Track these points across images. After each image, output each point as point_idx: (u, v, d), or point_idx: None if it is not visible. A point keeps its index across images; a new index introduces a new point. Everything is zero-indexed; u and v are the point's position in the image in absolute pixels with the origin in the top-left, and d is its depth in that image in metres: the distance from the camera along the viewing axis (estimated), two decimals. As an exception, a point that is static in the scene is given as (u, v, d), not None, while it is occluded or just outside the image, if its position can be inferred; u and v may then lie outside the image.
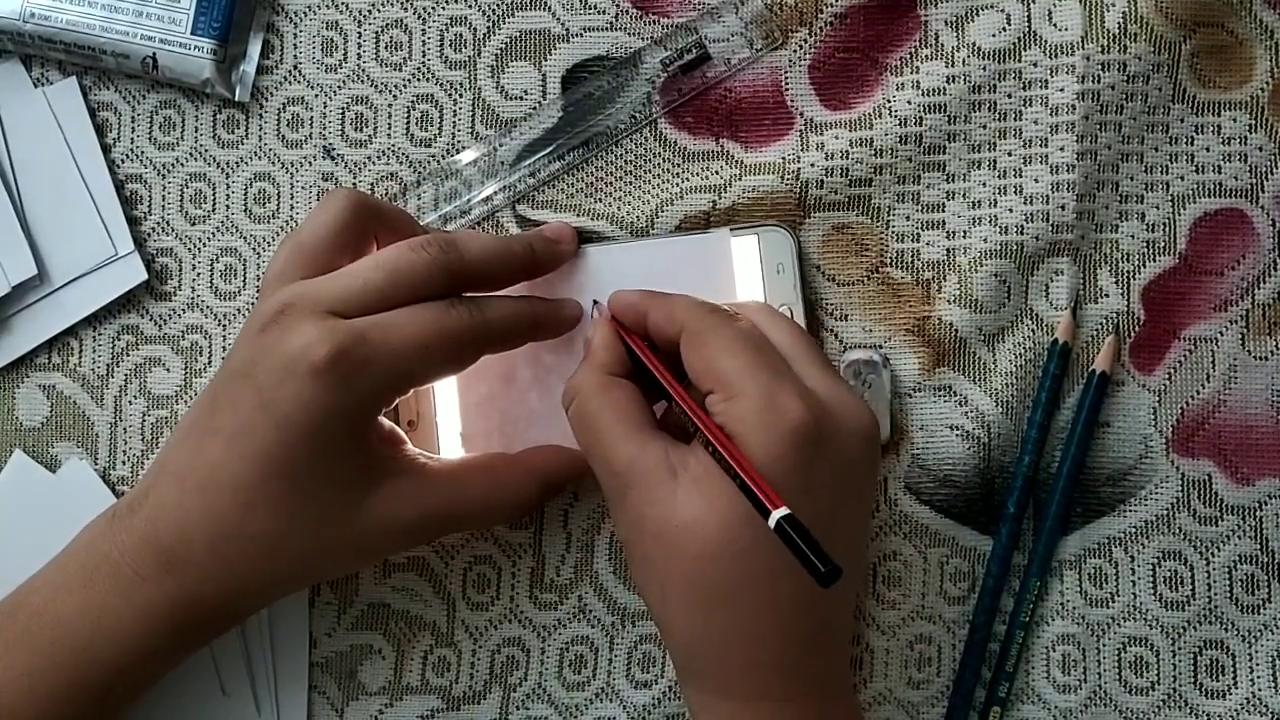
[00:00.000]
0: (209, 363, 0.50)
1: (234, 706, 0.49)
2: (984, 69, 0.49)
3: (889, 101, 0.49)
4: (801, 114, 0.50)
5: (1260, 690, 0.48)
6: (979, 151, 0.49)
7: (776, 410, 0.39)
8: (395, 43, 0.51)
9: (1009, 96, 0.49)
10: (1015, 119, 0.49)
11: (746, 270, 0.48)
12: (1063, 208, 0.48)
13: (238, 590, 0.42)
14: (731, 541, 0.39)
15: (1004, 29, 0.49)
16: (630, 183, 0.50)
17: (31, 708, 0.40)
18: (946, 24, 0.49)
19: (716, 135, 0.50)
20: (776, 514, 0.35)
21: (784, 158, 0.49)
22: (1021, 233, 0.49)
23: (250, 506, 0.40)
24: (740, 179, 0.49)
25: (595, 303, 0.48)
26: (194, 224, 0.51)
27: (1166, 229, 0.49)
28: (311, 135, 0.51)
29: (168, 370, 0.50)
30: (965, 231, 0.49)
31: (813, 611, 0.40)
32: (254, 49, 0.50)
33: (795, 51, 0.50)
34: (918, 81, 0.49)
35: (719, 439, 0.39)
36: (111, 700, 0.42)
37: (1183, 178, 0.49)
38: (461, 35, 0.50)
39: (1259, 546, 0.48)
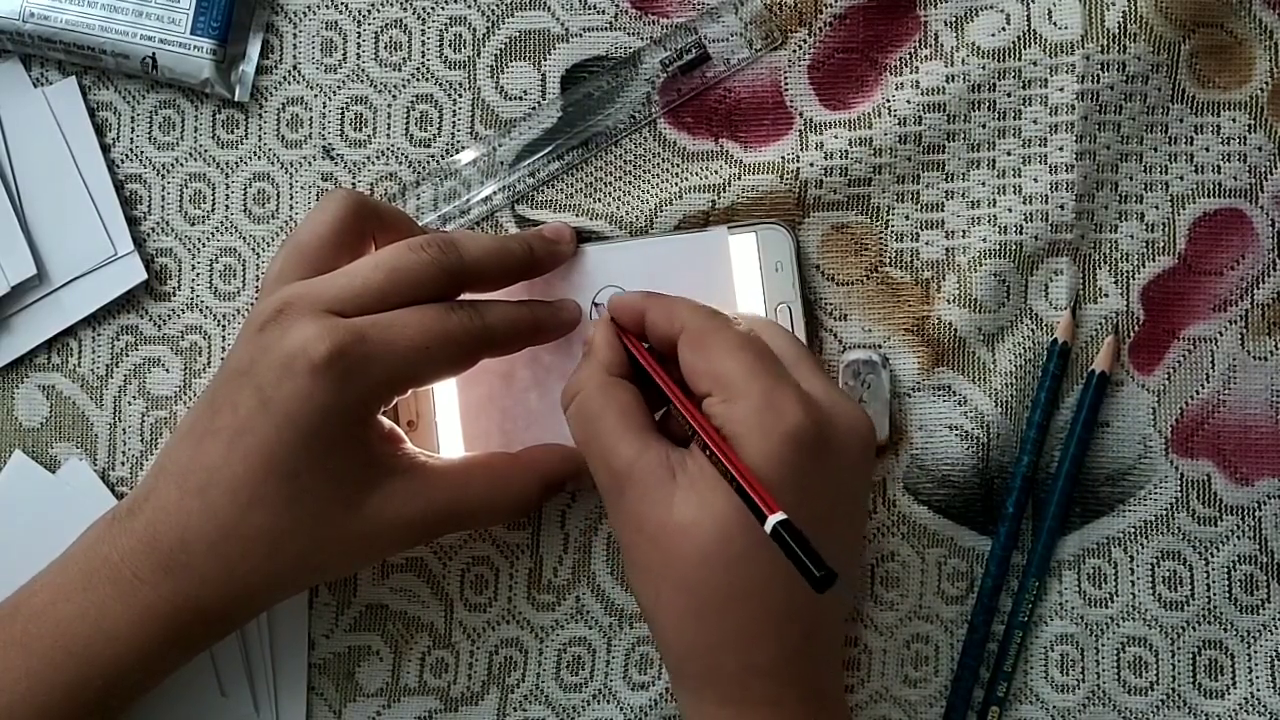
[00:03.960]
0: (208, 363, 0.50)
1: (233, 708, 0.49)
2: (983, 68, 0.49)
3: (888, 101, 0.49)
4: (801, 114, 0.50)
5: (1259, 690, 0.48)
6: (978, 151, 0.49)
7: (776, 412, 0.39)
8: (395, 43, 0.51)
9: (1008, 96, 0.49)
10: (1014, 119, 0.49)
11: (745, 268, 0.48)
12: (1062, 207, 0.48)
13: (238, 592, 0.41)
14: (727, 545, 0.39)
15: (1003, 28, 0.49)
16: (629, 183, 0.50)
17: (31, 710, 0.40)
18: (946, 24, 0.49)
19: (716, 135, 0.50)
20: (773, 519, 0.35)
21: (783, 157, 0.49)
22: (1021, 232, 0.49)
23: (250, 506, 0.40)
24: (739, 179, 0.49)
25: (595, 304, 0.48)
26: (193, 224, 0.51)
27: (1166, 229, 0.49)
28: (311, 135, 0.51)
29: (167, 371, 0.50)
30: (964, 231, 0.49)
31: (805, 617, 0.40)
32: (253, 49, 0.50)
33: (795, 52, 0.50)
34: (917, 81, 0.49)
35: (716, 442, 0.39)
36: (111, 703, 0.41)
37: (1182, 178, 0.49)
38: (461, 35, 0.50)
39: (1258, 547, 0.48)
